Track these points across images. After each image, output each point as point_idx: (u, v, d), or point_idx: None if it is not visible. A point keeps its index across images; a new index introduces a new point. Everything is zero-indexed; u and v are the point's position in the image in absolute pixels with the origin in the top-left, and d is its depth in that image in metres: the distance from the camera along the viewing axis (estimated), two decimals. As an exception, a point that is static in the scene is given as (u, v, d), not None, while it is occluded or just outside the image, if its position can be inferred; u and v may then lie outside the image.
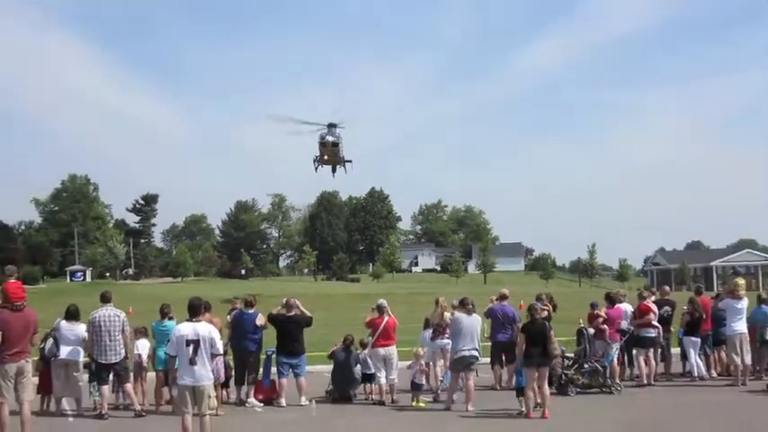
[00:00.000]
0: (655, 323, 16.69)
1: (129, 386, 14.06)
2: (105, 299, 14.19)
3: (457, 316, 14.52)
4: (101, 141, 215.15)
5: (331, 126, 47.57)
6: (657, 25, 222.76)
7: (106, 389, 13.81)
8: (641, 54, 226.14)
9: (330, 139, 47.21)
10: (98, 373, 13.87)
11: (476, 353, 14.24)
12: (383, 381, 15.06)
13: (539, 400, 13.36)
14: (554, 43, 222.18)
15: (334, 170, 50.06)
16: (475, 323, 14.38)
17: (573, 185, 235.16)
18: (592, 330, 16.26)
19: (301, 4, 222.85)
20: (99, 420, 13.38)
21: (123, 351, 14.02)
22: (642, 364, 16.46)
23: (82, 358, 14.20)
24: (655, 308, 16.98)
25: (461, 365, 14.15)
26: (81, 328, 14.05)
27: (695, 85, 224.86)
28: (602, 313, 16.70)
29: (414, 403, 14.54)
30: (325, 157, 48.16)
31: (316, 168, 48.71)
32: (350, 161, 48.85)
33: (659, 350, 17.14)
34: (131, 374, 14.63)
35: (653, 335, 16.64)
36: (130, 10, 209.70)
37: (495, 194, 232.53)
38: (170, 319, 14.72)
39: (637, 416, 13.12)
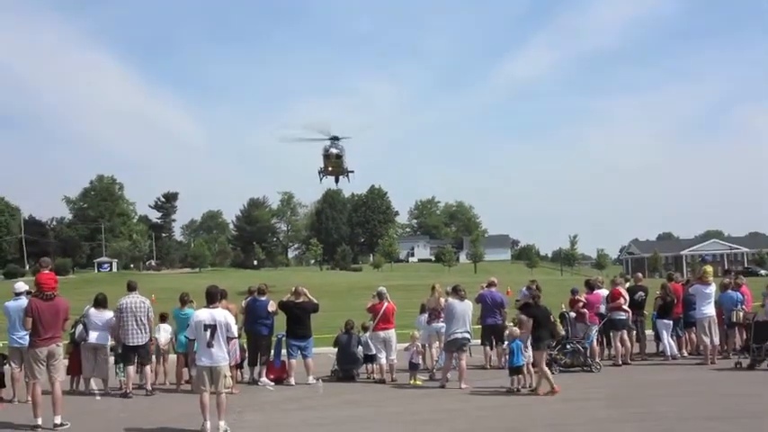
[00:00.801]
0: (625, 307, 16.64)
1: (148, 368, 14.00)
2: (131, 287, 14.16)
3: (450, 302, 14.48)
4: (126, 145, 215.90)
5: (334, 139, 46.96)
6: (626, 39, 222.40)
7: (132, 369, 13.76)
8: (612, 65, 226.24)
9: (334, 151, 45.87)
10: (125, 354, 13.83)
11: (468, 335, 14.22)
12: (383, 361, 15.05)
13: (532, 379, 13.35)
14: (533, 55, 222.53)
15: (337, 180, 49.54)
16: (467, 308, 14.34)
17: (555, 183, 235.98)
18: (573, 314, 16.23)
19: (309, 22, 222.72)
20: (124, 398, 13.35)
21: (148, 335, 14.00)
22: (618, 344, 16.43)
23: (109, 342, 14.17)
24: (625, 293, 16.94)
25: (455, 347, 14.12)
26: (108, 315, 14.02)
27: (660, 91, 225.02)
28: (582, 298, 16.69)
29: (411, 381, 14.51)
30: (329, 169, 47.06)
31: (320, 179, 48.06)
32: (352, 171, 48.14)
33: (633, 332, 17.11)
34: (153, 357, 14.59)
35: (623, 317, 16.59)
36: (157, 30, 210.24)
37: (484, 191, 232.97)
38: (190, 306, 14.66)
39: (614, 392, 13.07)
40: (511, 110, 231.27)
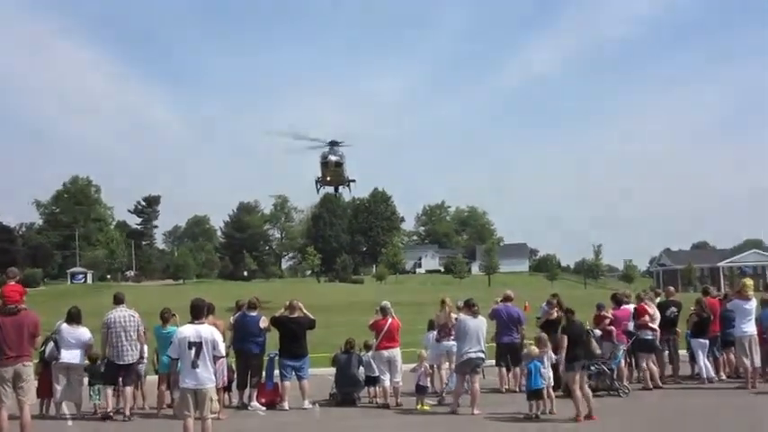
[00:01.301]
0: (652, 326, 16.58)
1: (129, 390, 13.97)
2: (119, 300, 14.22)
3: (462, 318, 14.45)
4: (103, 143, 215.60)
5: (333, 144, 44.88)
6: (659, 25, 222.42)
7: (110, 390, 13.77)
8: (645, 53, 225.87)
9: (333, 158, 44.50)
10: (109, 373, 13.85)
11: (482, 355, 14.17)
12: (387, 383, 15.00)
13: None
14: (554, 45, 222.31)
15: (336, 190, 48.79)
16: (480, 325, 14.30)
17: (578, 185, 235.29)
18: (598, 332, 16.18)
19: (306, 14, 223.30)
20: (105, 421, 13.36)
21: (138, 353, 14.03)
22: (651, 366, 16.38)
23: (83, 361, 14.15)
24: (652, 309, 16.86)
25: (468, 368, 14.07)
26: (82, 332, 14.01)
27: (694, 86, 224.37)
28: (609, 314, 16.64)
29: (418, 406, 14.47)
30: (328, 178, 45.02)
31: (318, 189, 47.08)
32: (353, 180, 46.96)
33: (665, 352, 17.05)
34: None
35: (649, 337, 16.53)
36: (134, 15, 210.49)
37: (500, 195, 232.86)
38: (173, 322, 14.61)
39: (644, 419, 13.03)
40: (530, 105, 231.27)
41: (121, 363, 13.73)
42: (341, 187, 48.27)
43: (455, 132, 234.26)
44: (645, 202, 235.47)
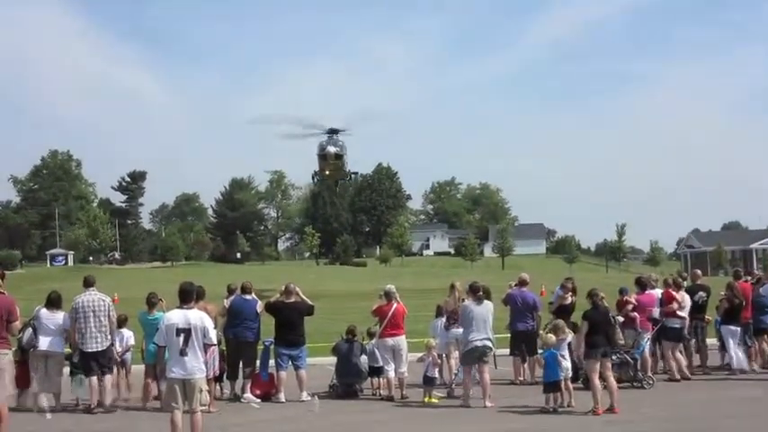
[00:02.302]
0: (680, 314, 16.57)
1: (108, 379, 14.00)
2: (88, 283, 14.24)
3: (466, 305, 14.40)
4: (85, 114, 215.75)
5: (332, 133, 42.72)
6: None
7: (95, 380, 13.80)
8: (667, 23, 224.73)
9: (332, 150, 42.45)
10: (83, 363, 13.88)
11: (489, 342, 14.13)
12: (392, 374, 15.01)
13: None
14: (577, 8, 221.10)
15: (336, 184, 47.64)
16: (485, 312, 14.23)
17: (599, 161, 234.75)
18: (621, 318, 16.18)
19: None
20: (87, 414, 13.40)
21: (109, 339, 14.05)
22: (678, 355, 16.38)
23: (63, 349, 14.19)
24: (680, 297, 16.81)
25: (473, 357, 14.06)
26: (61, 317, 14.03)
27: (726, 55, 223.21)
28: (632, 300, 16.63)
29: (426, 399, 14.50)
30: (327, 172, 44.15)
31: (315, 183, 46.17)
32: (356, 173, 45.86)
33: (692, 341, 17.06)
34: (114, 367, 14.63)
35: (677, 326, 16.52)
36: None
37: (514, 171, 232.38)
38: (160, 308, 14.63)
39: (670, 413, 13.04)
40: (549, 74, 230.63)
41: (89, 350, 13.76)
42: (342, 180, 46.50)
43: (467, 103, 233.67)
44: (673, 180, 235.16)
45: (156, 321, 13.65)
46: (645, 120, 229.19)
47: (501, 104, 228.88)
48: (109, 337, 14.03)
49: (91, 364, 13.79)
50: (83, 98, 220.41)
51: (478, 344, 13.97)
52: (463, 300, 15.09)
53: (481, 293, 14.35)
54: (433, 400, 14.48)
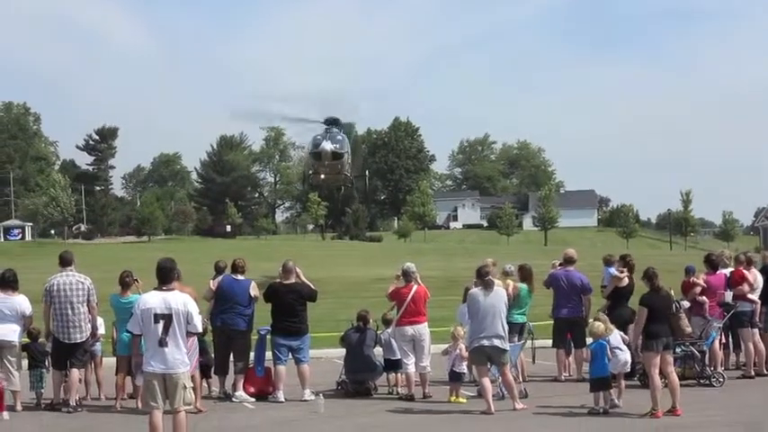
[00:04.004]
0: (752, 296, 16.54)
1: (75, 374, 14.12)
2: (66, 261, 14.36)
3: (472, 292, 14.26)
4: (43, 59, 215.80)
5: (331, 124, 39.20)
6: None
7: (59, 375, 13.97)
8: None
9: (328, 148, 38.21)
10: (54, 355, 14.04)
11: (499, 343, 13.74)
12: (411, 369, 15.10)
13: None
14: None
15: (339, 190, 46.34)
16: (496, 301, 13.92)
17: (659, 117, 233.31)
18: (687, 303, 16.20)
19: None
20: (45, 414, 13.52)
21: (89, 327, 14.20)
22: (750, 348, 16.39)
23: (19, 339, 14.32)
24: (751, 276, 16.74)
25: (480, 360, 13.91)
26: (18, 301, 14.15)
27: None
28: (701, 281, 16.62)
29: (452, 399, 14.62)
30: (321, 176, 40.59)
31: (304, 187, 45.05)
32: (363, 174, 44.42)
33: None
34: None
35: (748, 309, 16.54)
36: None
37: (559, 128, 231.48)
38: (135, 289, 14.73)
39: (744, 416, 13.05)
40: (598, 13, 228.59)
41: (68, 341, 13.91)
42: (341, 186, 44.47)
43: (503, 50, 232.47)
44: (751, 140, 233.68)
45: (130, 306, 13.73)
46: (717, 66, 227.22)
47: (541, 48, 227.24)
48: (89, 325, 14.17)
49: (61, 356, 13.96)
50: (42, 40, 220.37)
51: (485, 343, 13.68)
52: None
53: (489, 278, 14.08)
54: (461, 399, 14.58)
